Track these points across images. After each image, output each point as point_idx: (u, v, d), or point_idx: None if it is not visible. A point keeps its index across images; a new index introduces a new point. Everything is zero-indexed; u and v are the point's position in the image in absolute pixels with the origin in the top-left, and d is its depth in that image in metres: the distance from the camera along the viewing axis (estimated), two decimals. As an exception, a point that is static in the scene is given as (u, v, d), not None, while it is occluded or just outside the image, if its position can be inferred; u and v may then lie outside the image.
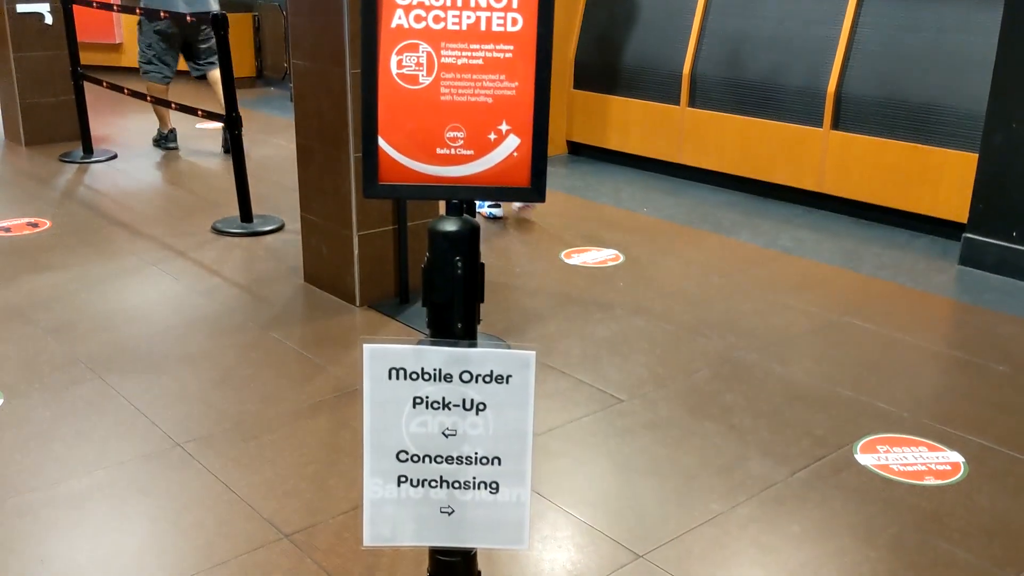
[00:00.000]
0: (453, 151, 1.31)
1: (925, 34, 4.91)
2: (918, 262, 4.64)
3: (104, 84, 5.93)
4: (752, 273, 4.46)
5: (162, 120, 6.76)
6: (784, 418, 3.06)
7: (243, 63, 9.17)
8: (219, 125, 6.93)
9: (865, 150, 5.13)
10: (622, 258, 4.60)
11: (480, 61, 1.28)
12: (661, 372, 3.37)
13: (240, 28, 9.08)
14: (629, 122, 6.31)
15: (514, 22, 1.26)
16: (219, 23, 4.55)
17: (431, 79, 1.30)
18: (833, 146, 5.27)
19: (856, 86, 5.14)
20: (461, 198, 1.36)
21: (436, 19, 1.28)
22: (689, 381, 3.31)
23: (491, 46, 1.27)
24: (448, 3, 1.26)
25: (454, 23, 1.27)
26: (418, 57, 1.30)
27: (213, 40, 6.48)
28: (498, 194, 1.35)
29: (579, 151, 6.77)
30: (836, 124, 5.25)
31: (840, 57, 5.18)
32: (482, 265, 1.44)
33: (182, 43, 6.51)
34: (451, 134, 1.31)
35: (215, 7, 6.63)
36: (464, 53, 1.29)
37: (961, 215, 4.68)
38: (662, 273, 4.46)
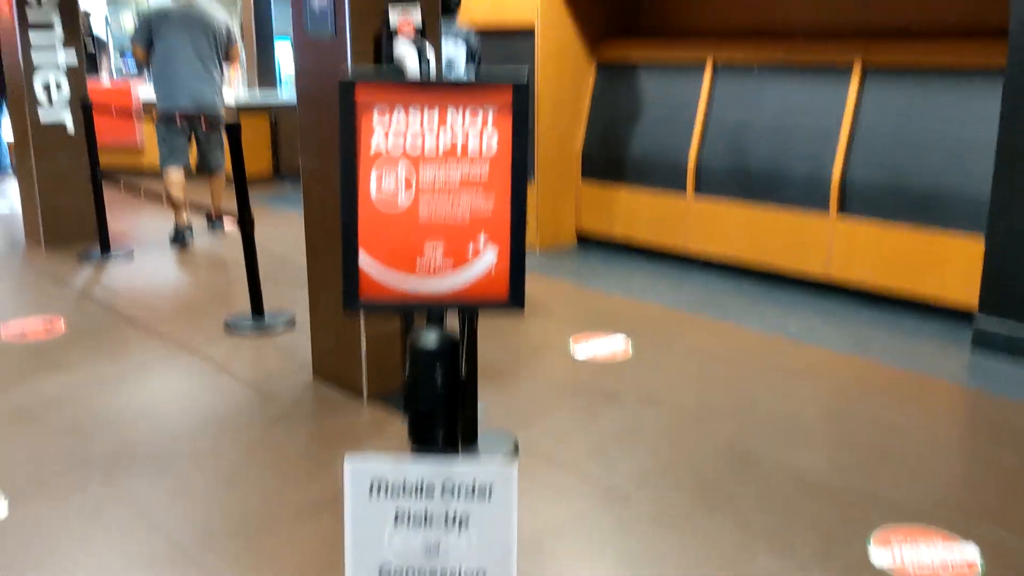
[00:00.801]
0: (432, 266, 1.35)
1: (926, 120, 4.98)
2: (928, 348, 4.61)
3: (121, 185, 6.07)
4: (760, 360, 4.45)
5: (178, 215, 6.90)
6: (793, 510, 3.02)
7: (260, 161, 9.38)
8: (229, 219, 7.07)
9: (871, 236, 5.16)
10: (630, 346, 4.61)
11: (458, 179, 1.33)
12: (668, 463, 3.35)
13: (258, 128, 9.33)
14: (636, 212, 6.39)
15: (490, 140, 1.30)
16: (232, 131, 4.68)
17: (410, 198, 1.34)
18: (839, 232, 5.30)
19: (860, 172, 5.20)
20: (441, 312, 1.39)
21: (414, 140, 1.33)
22: (696, 472, 3.28)
23: (468, 164, 1.32)
24: (426, 125, 1.31)
25: (431, 143, 1.32)
26: (396, 176, 1.34)
27: (217, 135, 6.71)
28: (478, 307, 1.38)
29: (588, 241, 6.84)
30: (841, 210, 5.29)
31: (843, 144, 5.26)
32: (473, 372, 1.46)
33: (191, 134, 6.75)
34: (430, 250, 1.35)
35: (219, 107, 6.84)
36: (442, 172, 1.33)
37: (971, 300, 4.67)
38: (670, 361, 4.45)
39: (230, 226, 7.25)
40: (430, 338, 1.41)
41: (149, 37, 6.64)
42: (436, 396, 1.39)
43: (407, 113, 1.33)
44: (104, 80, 10.43)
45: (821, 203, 5.36)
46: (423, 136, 1.35)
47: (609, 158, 6.53)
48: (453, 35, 5.15)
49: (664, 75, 6.26)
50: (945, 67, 4.91)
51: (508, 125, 1.31)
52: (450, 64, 5.16)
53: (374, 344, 3.85)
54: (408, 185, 1.38)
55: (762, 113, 5.69)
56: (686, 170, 6.02)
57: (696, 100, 6.02)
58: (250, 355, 4.54)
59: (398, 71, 3.53)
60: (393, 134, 1.35)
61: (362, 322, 3.80)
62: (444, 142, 1.34)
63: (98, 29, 14.26)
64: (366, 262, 1.36)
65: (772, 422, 3.73)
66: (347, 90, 1.34)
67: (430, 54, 3.55)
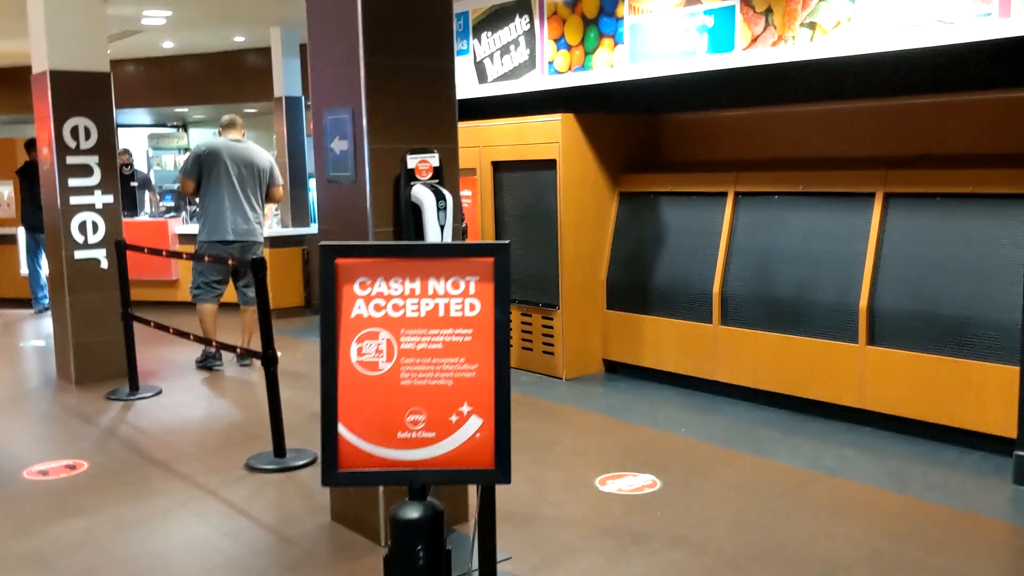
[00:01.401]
0: (414, 435, 1.31)
1: (951, 246, 4.93)
2: (968, 481, 4.43)
3: (151, 324, 6.15)
4: (794, 496, 4.29)
5: (208, 343, 6.94)
6: (830, 667, 2.83)
7: (292, 294, 9.51)
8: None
9: (903, 365, 5.04)
10: (659, 483, 4.47)
11: (439, 345, 1.30)
12: (696, 615, 3.19)
13: (291, 261, 9.50)
14: (663, 341, 6.33)
15: (472, 307, 1.28)
16: (258, 267, 4.74)
17: (391, 365, 1.32)
18: (870, 361, 5.19)
19: (888, 300, 5.13)
20: (423, 483, 1.34)
21: (395, 307, 1.31)
22: (726, 625, 3.12)
23: (450, 331, 1.29)
24: (407, 292, 1.30)
25: (413, 310, 1.30)
26: (378, 344, 1.32)
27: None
28: (461, 478, 1.33)
29: (615, 369, 6.76)
30: (871, 339, 5.19)
31: (869, 271, 5.20)
32: (448, 552, 1.39)
33: (229, 272, 6.87)
34: (412, 417, 1.31)
35: (260, 242, 7.01)
36: (424, 338, 1.31)
37: (1010, 430, 4.51)
38: (700, 499, 4.31)
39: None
40: (411, 511, 1.35)
41: (199, 172, 6.86)
42: (417, 573, 1.32)
43: (388, 283, 1.32)
44: (144, 217, 10.73)
45: (850, 332, 5.27)
46: (405, 304, 1.33)
47: (634, 286, 6.52)
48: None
49: (686, 204, 6.30)
50: (968, 193, 4.89)
51: (490, 292, 1.29)
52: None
53: (392, 487, 3.77)
54: (389, 353, 1.35)
55: (785, 240, 5.68)
56: (711, 299, 5.98)
57: (719, 227, 6.03)
58: (270, 496, 4.47)
59: (416, 210, 3.57)
60: (374, 302, 1.34)
61: (380, 463, 3.73)
62: (426, 310, 1.31)
63: (140, 164, 14.81)
64: (346, 431, 1.32)
65: (808, 565, 3.56)
66: (328, 256, 1.33)
67: (447, 195, 3.60)
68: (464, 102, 7.34)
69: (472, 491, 3.80)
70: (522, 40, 6.66)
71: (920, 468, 4.63)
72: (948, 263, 4.92)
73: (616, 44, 6.00)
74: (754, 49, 5.24)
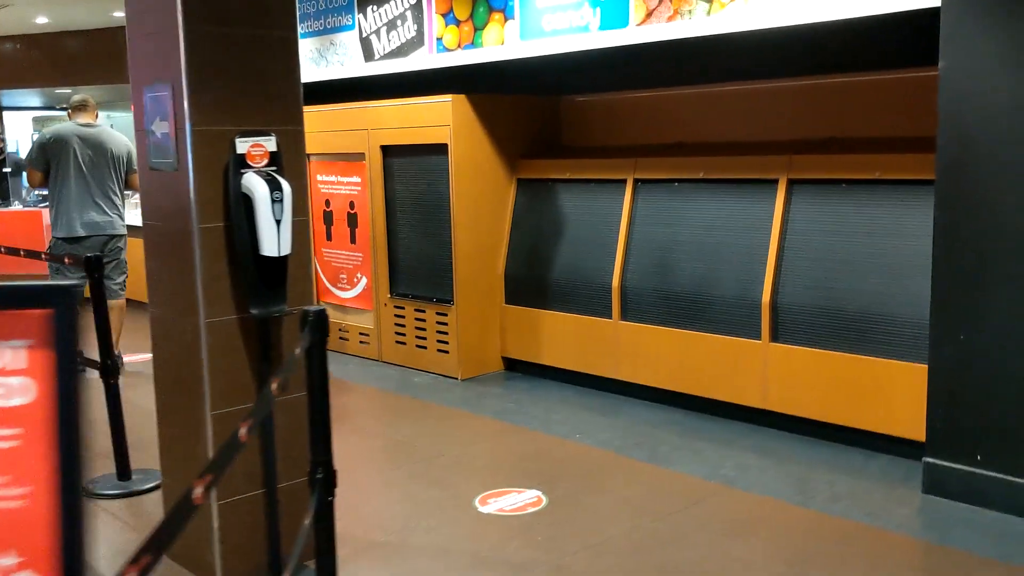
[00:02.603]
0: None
1: (857, 236, 4.61)
2: (876, 491, 4.12)
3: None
4: (691, 513, 3.93)
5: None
6: None
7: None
8: (146, 357, 6.64)
9: (808, 363, 4.72)
10: (544, 501, 4.07)
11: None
12: (567, 668, 2.78)
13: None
14: (563, 337, 5.93)
15: (17, 391, 0.82)
16: (91, 265, 4.20)
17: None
18: (774, 359, 4.86)
19: (792, 295, 4.80)
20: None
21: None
22: None
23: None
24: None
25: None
26: None
27: (115, 261, 6.23)
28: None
29: (515, 367, 6.35)
30: (775, 336, 4.86)
31: (772, 263, 4.87)
32: None
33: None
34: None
35: (119, 231, 6.42)
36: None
37: (918, 432, 4.21)
38: (589, 518, 3.91)
39: (130, 359, 6.70)
40: None
41: (46, 161, 6.23)
42: None
43: None
44: (16, 207, 9.95)
45: (753, 328, 4.94)
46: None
47: (533, 279, 6.10)
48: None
49: (585, 192, 5.90)
50: (874, 180, 4.58)
51: (49, 364, 0.84)
52: None
53: (229, 520, 3.28)
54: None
55: (686, 231, 5.31)
56: (610, 292, 5.60)
57: (618, 218, 5.64)
58: (107, 526, 3.94)
59: (248, 202, 3.08)
60: None
61: (214, 499, 3.25)
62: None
63: (24, 149, 13.88)
64: None
65: (697, 598, 3.19)
66: None
67: (284, 185, 3.11)
68: (351, 81, 6.83)
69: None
70: (409, 15, 6.17)
71: (825, 475, 4.32)
72: (854, 254, 4.61)
73: (506, 19, 5.55)
74: (649, 24, 4.85)
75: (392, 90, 6.55)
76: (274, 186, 3.07)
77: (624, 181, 5.66)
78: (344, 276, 6.99)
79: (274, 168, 3.17)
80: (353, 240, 6.85)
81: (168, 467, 3.53)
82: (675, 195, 5.42)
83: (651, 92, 5.99)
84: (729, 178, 5.16)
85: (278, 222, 3.07)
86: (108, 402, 4.28)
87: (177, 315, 3.31)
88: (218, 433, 3.23)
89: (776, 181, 4.94)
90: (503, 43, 5.60)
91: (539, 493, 4.14)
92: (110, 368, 4.25)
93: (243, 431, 2.18)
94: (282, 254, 3.10)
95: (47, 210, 9.40)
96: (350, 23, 6.64)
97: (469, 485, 4.27)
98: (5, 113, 15.84)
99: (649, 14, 4.82)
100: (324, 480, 2.74)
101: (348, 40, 6.69)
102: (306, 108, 7.20)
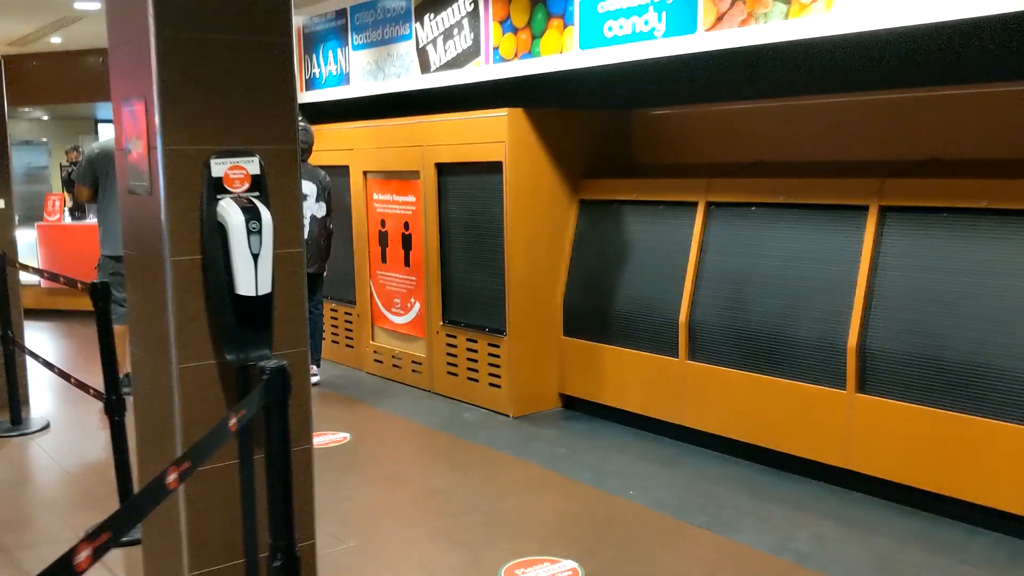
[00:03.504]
0: None
1: (961, 274, 3.96)
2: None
3: (22, 350, 5.31)
4: (750, 598, 3.36)
5: (123, 367, 6.20)
6: None
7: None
8: None
9: (898, 418, 4.08)
10: (581, 575, 3.55)
11: None
12: None
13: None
14: (624, 375, 5.39)
15: None
16: (97, 294, 3.87)
17: None
18: (859, 412, 4.23)
19: (882, 340, 4.16)
20: None
21: None
22: None
23: None
24: None
25: None
26: None
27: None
28: None
29: (574, 406, 5.83)
30: (861, 386, 4.23)
31: (860, 302, 4.24)
32: None
33: None
34: None
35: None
36: None
37: (1030, 510, 3.54)
38: (630, 599, 3.38)
39: None
40: None
41: (94, 176, 6.02)
42: None
43: None
44: (92, 220, 9.92)
45: (836, 375, 4.31)
46: None
47: (594, 310, 5.58)
48: (309, 172, 6.26)
49: (653, 216, 5.35)
50: (982, 209, 3.91)
51: None
52: (304, 197, 5.76)
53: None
54: None
55: (763, 262, 4.72)
56: (677, 328, 5.04)
57: (687, 245, 5.08)
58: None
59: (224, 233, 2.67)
60: None
61: (185, 567, 2.84)
62: None
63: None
64: None
65: None
66: None
67: (264, 213, 2.69)
68: (408, 95, 6.45)
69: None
70: (466, 23, 5.74)
71: (916, 554, 3.67)
72: (956, 295, 3.95)
73: (566, 25, 5.07)
74: (720, 30, 4.29)
75: (451, 104, 6.13)
76: (251, 215, 2.65)
77: (695, 204, 5.10)
78: (398, 300, 6.59)
79: (256, 194, 2.75)
80: (407, 263, 6.46)
81: (147, 526, 3.15)
82: (751, 221, 4.83)
83: (728, 105, 5.42)
84: (812, 203, 4.55)
85: (255, 256, 2.65)
86: (113, 440, 3.94)
87: (152, 357, 2.92)
88: (191, 492, 2.83)
89: (866, 208, 4.31)
90: (562, 52, 5.11)
91: (575, 565, 3.62)
92: (115, 404, 3.91)
93: (172, 478, 1.78)
94: (260, 293, 2.68)
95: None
96: (407, 32, 6.25)
97: (498, 551, 3.77)
98: (100, 125, 16.15)
99: (719, 18, 4.27)
100: (285, 568, 2.29)
101: (405, 51, 6.31)
102: (362, 123, 6.93)
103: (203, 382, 2.81)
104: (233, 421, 1.93)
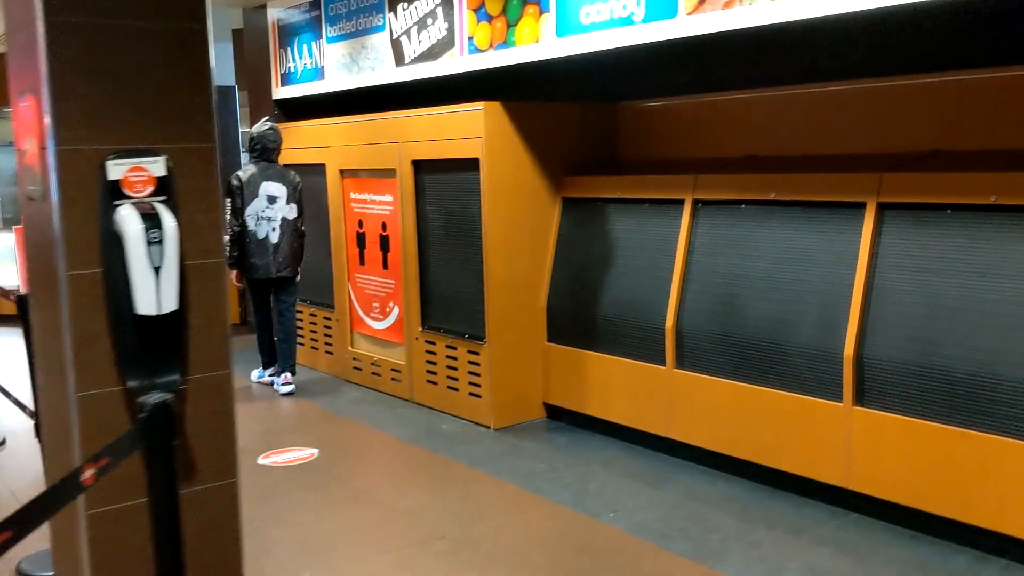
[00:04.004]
0: None
1: (965, 276, 3.61)
2: (985, 618, 3.13)
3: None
4: (734, 638, 3.03)
5: None
6: None
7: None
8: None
9: (900, 434, 3.74)
10: (550, 611, 3.23)
11: None
12: None
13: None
14: (609, 384, 5.06)
15: None
16: (24, 304, 3.57)
17: None
18: (858, 427, 3.89)
19: (881, 348, 3.83)
20: None
21: None
22: None
23: None
24: None
25: None
26: None
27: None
28: None
29: (559, 416, 5.51)
30: (860, 398, 3.90)
31: (857, 309, 3.90)
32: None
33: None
34: None
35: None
36: None
37: (1045, 538, 3.20)
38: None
39: None
40: None
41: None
42: None
43: None
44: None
45: (832, 386, 3.98)
46: None
47: (578, 314, 5.26)
48: (278, 174, 6.23)
49: (638, 214, 5.02)
50: (989, 205, 3.57)
51: None
52: (273, 199, 6.16)
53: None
54: None
55: (753, 264, 4.38)
56: (663, 335, 4.71)
57: (673, 245, 4.74)
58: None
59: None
60: None
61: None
62: None
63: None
64: None
65: None
66: None
67: (166, 220, 2.37)
68: (383, 89, 6.14)
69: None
70: (439, 11, 5.41)
71: (918, 588, 3.34)
72: (962, 300, 3.61)
73: (541, 12, 4.74)
74: (703, 13, 3.95)
75: (430, 98, 5.81)
76: (151, 222, 2.33)
77: (681, 202, 4.76)
78: (377, 305, 6.28)
79: (162, 198, 2.43)
80: (385, 265, 6.14)
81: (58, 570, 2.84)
82: (741, 220, 4.50)
83: (718, 96, 5.08)
84: (806, 200, 4.22)
85: (156, 269, 2.34)
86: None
87: (51, 383, 2.62)
88: (95, 537, 2.52)
89: (863, 205, 3.97)
90: (538, 40, 4.78)
91: (543, 600, 3.30)
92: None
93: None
94: (163, 311, 2.36)
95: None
96: (381, 23, 5.93)
97: (461, 583, 3.46)
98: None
99: (702, 1, 3.93)
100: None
101: (380, 43, 5.99)
102: (337, 120, 6.61)
103: (105, 412, 2.49)
104: (89, 474, 1.62)
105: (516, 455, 4.91)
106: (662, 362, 4.74)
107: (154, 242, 2.32)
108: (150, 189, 2.42)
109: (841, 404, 3.94)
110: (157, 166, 2.44)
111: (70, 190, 2.41)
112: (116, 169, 2.38)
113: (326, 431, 5.51)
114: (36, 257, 2.69)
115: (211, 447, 2.68)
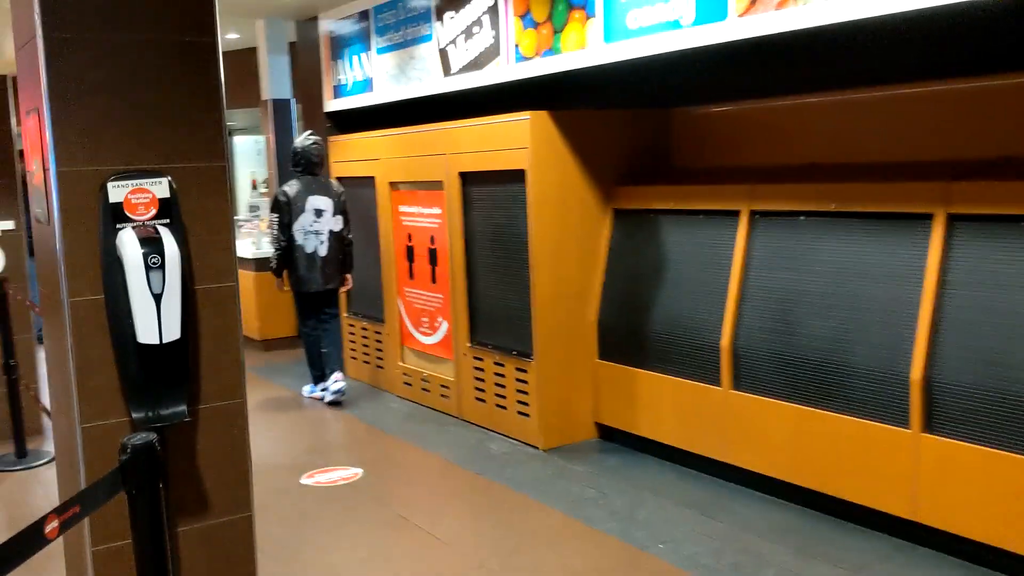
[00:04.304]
0: None
1: (1049, 293, 3.32)
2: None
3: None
4: None
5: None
6: None
7: (281, 323, 8.34)
8: None
9: (973, 464, 3.45)
10: (589, 652, 3.03)
11: None
12: None
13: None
14: (663, 404, 4.84)
15: None
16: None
17: None
18: (927, 456, 3.61)
19: (952, 371, 3.54)
20: None
21: None
22: None
23: None
24: None
25: None
26: None
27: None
28: None
29: (612, 436, 5.29)
30: (929, 425, 3.61)
31: (925, 328, 3.62)
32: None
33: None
34: None
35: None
36: None
37: None
38: None
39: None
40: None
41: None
42: None
43: None
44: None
45: (899, 412, 3.70)
46: None
47: (630, 330, 5.04)
48: (323, 187, 6.21)
49: (692, 226, 4.79)
50: (1071, 217, 3.27)
51: None
52: (320, 213, 6.14)
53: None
54: None
55: (814, 279, 4.13)
56: (719, 353, 4.47)
57: (728, 258, 4.51)
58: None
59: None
60: None
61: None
62: None
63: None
64: None
65: None
66: None
67: (168, 244, 2.25)
68: (432, 99, 6.02)
69: None
70: (486, 19, 5.26)
71: (993, 636, 3.05)
72: (1041, 320, 3.31)
73: (588, 17, 4.55)
74: (755, 15, 3.73)
75: (476, 109, 5.66)
76: (151, 247, 2.21)
77: (737, 213, 4.52)
78: (426, 319, 6.15)
79: (165, 221, 2.31)
80: (434, 279, 6.01)
81: None
82: (800, 232, 4.24)
83: (777, 102, 4.82)
84: (869, 212, 3.95)
85: (157, 296, 2.22)
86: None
87: (59, 414, 2.52)
88: (101, 575, 2.41)
89: (930, 216, 3.69)
90: (585, 47, 4.60)
91: (581, 641, 3.10)
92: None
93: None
94: (165, 340, 2.24)
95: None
96: (428, 33, 5.81)
97: (496, 619, 3.28)
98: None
99: (753, 1, 3.70)
100: None
101: (427, 53, 5.87)
102: (385, 132, 6.52)
103: (111, 444, 2.38)
104: (53, 525, 1.49)
105: (564, 479, 4.72)
106: (717, 382, 4.50)
107: (155, 267, 2.20)
108: (153, 211, 2.31)
109: (908, 431, 3.66)
110: (160, 187, 2.32)
111: (71, 212, 2.31)
112: (117, 191, 2.27)
113: (372, 449, 5.39)
114: (45, 282, 2.60)
115: (224, 480, 2.56)
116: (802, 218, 4.24)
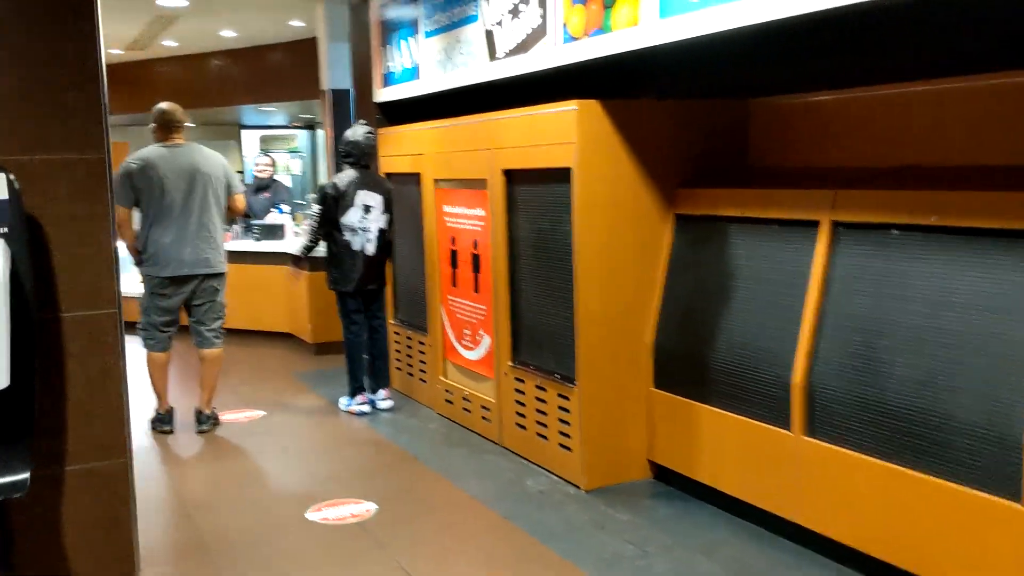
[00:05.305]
0: None
1: None
2: None
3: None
4: None
5: (161, 401, 5.67)
6: None
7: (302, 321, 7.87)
8: (252, 415, 6.05)
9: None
10: None
11: None
12: None
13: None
14: (724, 446, 4.12)
15: None
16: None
17: None
18: (1047, 542, 2.81)
19: (1084, 434, 2.74)
20: None
21: None
22: None
23: None
24: None
25: None
26: None
27: (213, 301, 5.40)
28: None
29: (668, 478, 4.59)
30: (1049, 501, 2.82)
31: (1052, 375, 2.82)
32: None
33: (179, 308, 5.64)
34: None
35: (222, 267, 5.62)
36: None
37: None
38: None
39: (230, 416, 5.92)
40: None
41: (135, 195, 5.37)
42: None
43: None
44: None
45: (1009, 480, 2.92)
46: None
47: (691, 356, 4.33)
48: (374, 182, 5.85)
49: (764, 237, 4.05)
50: None
51: None
52: (369, 209, 5.77)
53: None
54: None
55: (907, 306, 3.35)
56: (790, 391, 3.72)
57: (804, 280, 3.75)
58: None
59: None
60: None
61: None
62: None
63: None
64: None
65: None
66: None
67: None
68: (476, 87, 5.40)
69: None
70: (533, -5, 4.61)
71: None
72: None
73: (642, -12, 3.86)
74: (838, -23, 2.97)
75: (524, 98, 5.02)
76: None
77: (815, 224, 3.76)
78: (468, 332, 5.54)
79: (2, 230, 1.75)
80: (476, 288, 5.40)
81: None
82: (892, 249, 3.46)
83: (872, 91, 4.03)
84: (977, 228, 3.15)
85: (-25, 332, 1.65)
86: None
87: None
88: None
89: (1060, 234, 2.88)
90: (637, 23, 3.90)
91: None
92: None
93: None
94: (-17, 391, 1.67)
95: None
96: (474, 13, 5.20)
97: None
98: (244, 132, 16.00)
99: (837, -40, 2.95)
100: None
101: (473, 35, 5.25)
102: (431, 124, 5.92)
103: (-62, 517, 1.84)
104: None
105: (603, 529, 4.04)
106: (787, 426, 3.75)
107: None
108: (-15, 215, 1.74)
109: (1020, 505, 2.87)
110: (-4, 185, 1.75)
111: None
112: (-66, 189, 1.71)
113: (395, 479, 4.82)
114: None
115: (98, 562, 1.98)
116: (895, 232, 3.45)
